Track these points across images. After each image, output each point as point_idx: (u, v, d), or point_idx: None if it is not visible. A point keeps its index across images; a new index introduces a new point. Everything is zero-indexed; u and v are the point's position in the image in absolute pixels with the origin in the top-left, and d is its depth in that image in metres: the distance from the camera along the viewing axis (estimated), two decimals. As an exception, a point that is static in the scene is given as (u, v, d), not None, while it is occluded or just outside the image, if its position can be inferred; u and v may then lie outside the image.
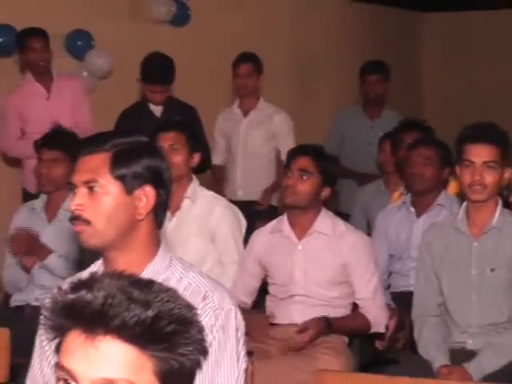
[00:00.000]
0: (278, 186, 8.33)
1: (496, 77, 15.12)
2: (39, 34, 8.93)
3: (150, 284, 2.24)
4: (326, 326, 5.77)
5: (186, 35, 11.63)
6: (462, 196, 5.84)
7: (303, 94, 12.41)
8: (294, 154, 6.08)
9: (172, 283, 3.21)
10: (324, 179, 5.96)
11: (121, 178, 3.39)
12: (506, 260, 5.45)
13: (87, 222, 3.36)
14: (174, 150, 5.75)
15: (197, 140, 6.65)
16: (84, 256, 4.34)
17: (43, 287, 6.08)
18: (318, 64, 13.00)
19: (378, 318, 5.97)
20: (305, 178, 5.91)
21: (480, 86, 14.65)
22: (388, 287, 6.64)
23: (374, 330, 5.99)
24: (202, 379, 2.48)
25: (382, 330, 6.02)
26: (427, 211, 6.75)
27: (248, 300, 6.15)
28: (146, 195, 3.44)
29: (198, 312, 2.30)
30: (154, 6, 11.42)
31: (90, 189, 3.38)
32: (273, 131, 8.99)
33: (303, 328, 5.75)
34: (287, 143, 8.09)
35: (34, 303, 6.01)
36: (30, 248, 6.41)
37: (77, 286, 2.16)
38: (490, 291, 5.45)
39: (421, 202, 6.81)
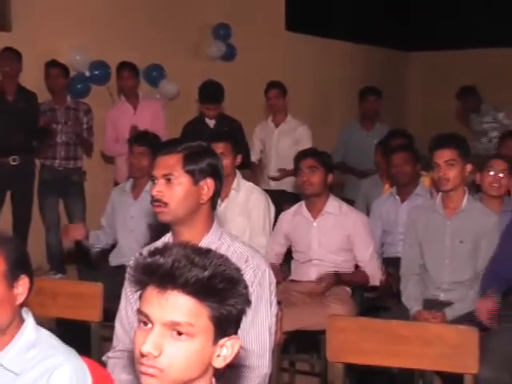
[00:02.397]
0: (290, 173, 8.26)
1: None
2: (130, 66, 9.01)
3: (207, 252, 2.27)
4: (336, 278, 5.82)
5: (233, 68, 11.65)
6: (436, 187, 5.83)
7: (319, 112, 12.34)
8: (301, 156, 6.10)
9: (222, 250, 3.19)
10: (326, 169, 5.99)
11: (190, 173, 3.49)
12: (471, 235, 5.46)
13: (165, 204, 3.48)
14: (223, 155, 5.70)
15: (239, 145, 6.69)
16: (159, 228, 4.31)
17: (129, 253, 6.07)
18: (331, 91, 12.96)
19: (374, 274, 6.01)
20: (313, 171, 5.93)
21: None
22: (381, 254, 6.59)
23: (371, 283, 6.03)
24: (245, 324, 2.46)
25: (377, 283, 6.06)
26: (408, 199, 6.75)
27: (277, 262, 6.15)
28: (208, 186, 3.54)
29: (243, 272, 2.30)
30: (209, 46, 11.56)
31: (168, 180, 3.49)
32: (297, 138, 9.00)
33: (319, 279, 5.79)
34: (307, 147, 8.06)
35: (122, 264, 5.99)
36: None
37: (153, 252, 2.23)
38: (458, 257, 5.46)
39: (403, 192, 6.80)
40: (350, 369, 4.00)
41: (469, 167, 5.52)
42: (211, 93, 8.68)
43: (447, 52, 16.04)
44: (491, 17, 18.74)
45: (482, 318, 4.88)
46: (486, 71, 15.51)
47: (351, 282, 5.96)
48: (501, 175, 6.03)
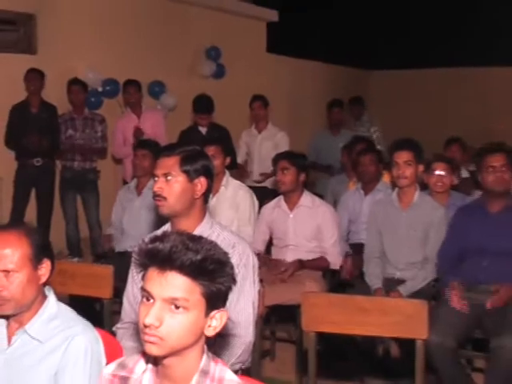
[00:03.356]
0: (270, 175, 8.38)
1: (425, 118, 15.03)
2: (135, 83, 9.01)
3: (199, 238, 2.29)
4: (300, 264, 5.80)
5: (222, 84, 11.71)
6: (393, 183, 5.84)
7: (295, 121, 12.36)
8: (276, 159, 6.08)
9: (213, 238, 3.15)
10: (298, 169, 5.94)
11: (186, 172, 3.51)
12: (422, 225, 5.50)
13: (164, 199, 3.50)
14: (214, 157, 5.71)
15: (228, 149, 6.70)
16: (159, 219, 4.33)
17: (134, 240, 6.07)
18: (304, 103, 12.98)
19: (335, 260, 5.98)
20: (285, 172, 5.91)
21: (412, 123, 14.52)
22: (347, 240, 6.59)
23: (331, 267, 6.00)
24: (232, 299, 2.47)
25: (337, 267, 6.03)
26: (371, 193, 6.73)
27: (261, 248, 6.14)
28: (201, 183, 3.55)
29: (230, 256, 2.31)
30: (202, 66, 11.68)
31: (167, 178, 3.51)
32: (276, 143, 8.99)
33: (286, 267, 5.76)
34: (285, 150, 8.07)
35: (129, 250, 5.98)
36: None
37: (154, 239, 2.25)
38: (411, 243, 5.49)
39: (367, 187, 6.79)
40: (321, 337, 3.99)
41: (421, 167, 5.60)
42: (203, 105, 8.75)
43: (402, 71, 16.09)
44: (445, 39, 18.78)
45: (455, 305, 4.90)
46: (438, 88, 15.57)
47: (313, 267, 5.90)
48: (443, 175, 6.09)
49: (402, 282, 5.38)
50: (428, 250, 5.45)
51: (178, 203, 3.51)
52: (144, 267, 2.24)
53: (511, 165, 5.09)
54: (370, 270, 5.62)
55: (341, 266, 6.09)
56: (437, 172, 6.10)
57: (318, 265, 5.93)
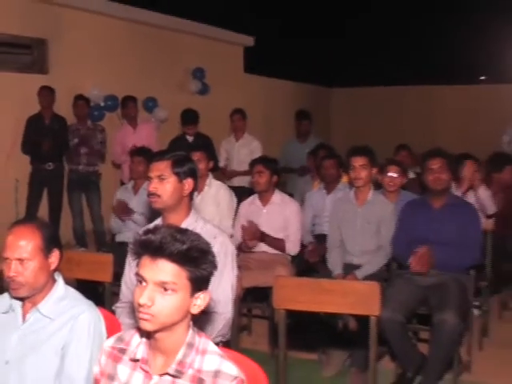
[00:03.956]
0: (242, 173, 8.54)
1: (379, 128, 15.05)
2: (131, 99, 9.02)
3: (185, 231, 2.29)
4: (261, 235, 5.82)
5: (207, 100, 11.68)
6: (351, 184, 5.84)
7: (268, 131, 12.36)
8: (253, 163, 6.04)
9: (197, 230, 3.17)
10: (272, 172, 5.94)
11: (176, 174, 3.54)
12: (375, 219, 5.52)
13: (159, 196, 3.52)
14: (199, 161, 5.70)
15: (211, 154, 6.73)
16: (152, 215, 4.32)
17: (131, 231, 6.04)
18: (276, 115, 12.98)
19: (294, 247, 5.96)
20: (262, 175, 5.90)
21: (367, 132, 14.53)
22: (312, 231, 6.59)
23: (287, 252, 5.94)
24: (214, 282, 2.48)
25: (293, 253, 5.99)
26: (332, 192, 6.70)
27: (241, 239, 6.04)
28: (188, 184, 3.58)
29: (211, 246, 2.32)
30: (190, 84, 11.65)
31: (160, 179, 3.53)
32: (252, 150, 8.98)
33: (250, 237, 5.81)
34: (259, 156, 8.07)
35: (127, 240, 5.95)
36: (123, 211, 6.45)
37: (146, 232, 2.26)
38: (366, 234, 5.51)
39: (329, 187, 6.77)
40: (291, 313, 3.99)
41: (374, 170, 5.62)
42: (190, 117, 8.80)
43: (360, 88, 16.12)
44: (398, 61, 18.85)
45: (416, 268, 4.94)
46: (391, 103, 15.62)
47: (271, 243, 5.88)
48: (395, 176, 6.11)
49: (358, 267, 5.40)
50: (381, 240, 5.47)
51: (170, 200, 3.53)
52: (138, 255, 2.25)
53: (448, 167, 5.14)
54: (331, 258, 5.63)
55: (302, 250, 6.09)
56: (389, 174, 6.13)
57: (276, 244, 5.89)
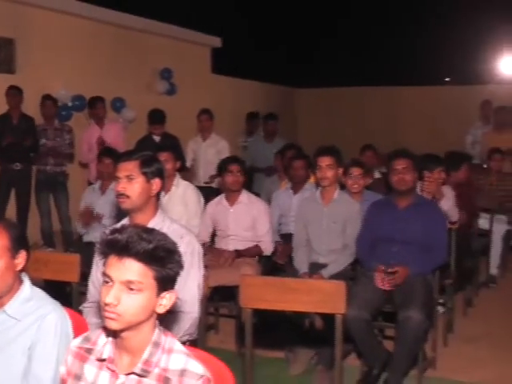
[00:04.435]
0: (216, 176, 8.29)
1: (344, 128, 15.09)
2: (99, 100, 9.03)
3: (151, 230, 2.29)
4: (236, 253, 5.79)
5: (174, 100, 11.67)
6: (317, 183, 5.85)
7: (235, 131, 12.35)
8: (227, 163, 6.00)
9: (164, 229, 3.20)
10: (244, 173, 5.95)
11: (145, 174, 3.54)
12: (341, 218, 5.52)
13: (127, 197, 3.52)
14: (166, 162, 5.69)
15: (178, 155, 6.70)
16: (119, 215, 4.31)
17: (98, 232, 6.02)
18: (243, 115, 12.99)
19: (268, 247, 5.96)
20: (237, 174, 5.87)
21: (333, 132, 14.57)
22: (279, 231, 6.60)
23: (264, 253, 5.97)
24: (180, 281, 2.48)
25: (269, 253, 6.01)
26: (299, 192, 6.70)
27: (207, 239, 6.07)
28: (156, 184, 3.58)
29: (178, 245, 2.32)
30: (157, 84, 11.63)
31: (129, 179, 3.52)
32: (219, 150, 9.01)
33: (226, 257, 5.75)
34: (226, 156, 8.05)
35: (94, 240, 5.93)
36: (89, 217, 6.46)
37: (113, 231, 2.26)
38: (332, 233, 5.51)
39: (296, 187, 6.77)
40: (257, 312, 4.00)
41: (340, 170, 5.63)
42: (157, 117, 8.81)
43: (324, 89, 16.18)
44: (361, 62, 18.92)
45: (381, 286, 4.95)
46: (355, 103, 15.69)
47: (248, 255, 5.87)
48: (358, 177, 6.14)
49: (324, 266, 5.41)
50: (346, 239, 5.48)
51: (138, 200, 3.53)
52: (105, 255, 2.24)
53: (413, 167, 5.18)
54: (298, 257, 5.62)
55: (274, 252, 6.09)
56: (353, 175, 6.15)
57: (253, 252, 5.90)
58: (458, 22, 18.88)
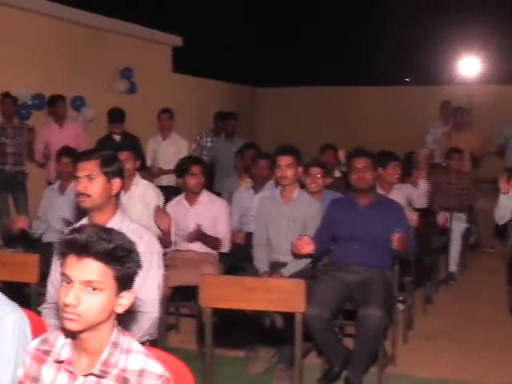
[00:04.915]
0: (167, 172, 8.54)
1: (305, 128, 15.12)
2: (60, 98, 8.97)
3: (110, 230, 2.30)
4: (201, 233, 5.77)
5: (135, 99, 11.57)
6: (277, 182, 5.87)
7: (197, 130, 12.30)
8: (188, 164, 5.97)
9: (124, 229, 3.22)
10: (205, 173, 5.96)
11: (105, 173, 3.54)
12: (301, 216, 5.54)
13: (88, 196, 3.51)
14: (126, 161, 5.67)
15: (138, 154, 6.65)
16: (78, 215, 4.29)
17: (57, 232, 5.98)
18: (205, 114, 12.95)
19: (226, 244, 5.95)
20: (199, 176, 5.87)
21: (293, 132, 14.59)
22: (240, 231, 6.59)
23: (221, 249, 5.96)
24: (140, 281, 2.48)
25: (225, 250, 5.99)
26: (260, 191, 6.70)
27: (173, 238, 6.00)
28: (116, 183, 3.58)
29: (136, 245, 2.32)
30: (117, 83, 11.50)
31: (90, 178, 3.52)
32: (179, 149, 9.01)
33: (191, 234, 5.78)
34: (185, 155, 8.04)
35: (53, 240, 5.88)
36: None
37: (72, 231, 2.26)
38: (292, 232, 5.47)
39: (257, 186, 6.78)
40: (218, 312, 4.01)
41: (300, 169, 5.64)
42: (117, 116, 8.82)
43: (288, 88, 16.21)
44: (326, 60, 18.97)
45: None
46: (316, 103, 15.73)
47: (208, 242, 5.86)
48: (317, 177, 6.17)
49: (284, 265, 5.43)
50: (306, 238, 5.50)
51: (99, 199, 3.52)
52: (64, 255, 2.24)
53: (372, 166, 5.22)
54: (257, 256, 5.63)
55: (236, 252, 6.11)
56: (312, 174, 6.17)
57: (213, 242, 5.88)
58: (418, 22, 19.02)
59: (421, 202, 7.18)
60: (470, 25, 17.44)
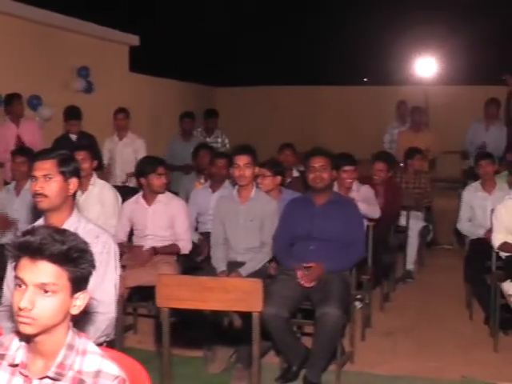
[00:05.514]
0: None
1: (263, 127, 15.13)
2: (16, 97, 8.85)
3: (64, 231, 2.27)
4: (154, 251, 5.75)
5: (91, 98, 11.47)
6: (234, 182, 5.86)
7: (153, 130, 12.28)
8: (153, 165, 5.90)
9: (80, 229, 3.24)
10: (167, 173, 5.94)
11: (62, 173, 3.50)
12: (258, 215, 5.54)
13: (45, 196, 3.47)
14: (83, 161, 5.65)
15: (95, 154, 6.60)
16: (34, 216, 4.24)
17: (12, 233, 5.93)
18: (162, 114, 12.92)
19: (185, 246, 5.94)
20: (165, 176, 5.87)
21: (252, 131, 14.59)
22: (197, 230, 6.58)
23: (182, 252, 5.94)
24: (97, 282, 2.45)
25: (186, 252, 5.98)
26: (218, 190, 6.73)
27: (125, 238, 6.01)
28: (73, 183, 3.55)
29: (92, 245, 2.32)
30: (74, 82, 11.37)
31: (47, 178, 3.47)
32: (135, 149, 8.97)
33: (143, 256, 5.75)
34: (143, 155, 8.00)
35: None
36: (3, 224, 6.30)
37: (25, 233, 2.23)
38: (249, 231, 5.52)
39: (215, 186, 6.79)
40: (176, 312, 4.00)
41: (257, 168, 5.65)
42: (73, 113, 8.74)
43: (247, 87, 16.22)
44: (286, 60, 19.01)
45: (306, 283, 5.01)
46: (275, 102, 15.77)
47: (166, 252, 5.84)
48: (266, 176, 6.14)
49: (242, 264, 5.43)
50: (264, 237, 5.52)
51: (57, 200, 3.49)
52: (17, 258, 2.21)
53: (330, 166, 5.25)
54: (215, 255, 5.62)
55: (193, 250, 6.10)
56: (260, 175, 6.13)
57: (170, 250, 5.87)
58: (375, 23, 19.17)
59: (373, 211, 6.73)
60: (427, 26, 17.63)
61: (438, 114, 13.01)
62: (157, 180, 5.85)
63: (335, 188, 6.66)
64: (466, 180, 9.68)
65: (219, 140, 9.77)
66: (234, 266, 5.44)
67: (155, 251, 5.78)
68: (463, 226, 7.19)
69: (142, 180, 5.95)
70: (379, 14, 19.34)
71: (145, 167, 5.95)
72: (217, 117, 10.26)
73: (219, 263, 5.55)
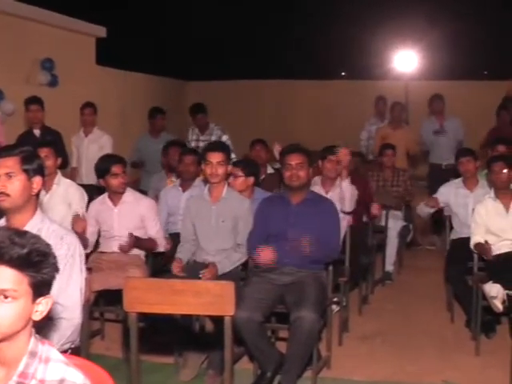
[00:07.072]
0: None
1: (236, 122, 15.12)
2: None
3: (24, 233, 2.22)
4: (136, 239, 5.71)
5: (56, 92, 11.45)
6: (206, 180, 5.85)
7: (121, 126, 12.25)
8: (110, 164, 5.85)
9: (44, 230, 3.22)
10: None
11: (26, 171, 3.46)
12: (230, 216, 5.50)
13: (6, 195, 3.43)
14: (47, 158, 5.60)
15: (60, 151, 6.48)
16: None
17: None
18: (130, 110, 12.89)
19: (160, 243, 5.95)
20: (122, 175, 5.84)
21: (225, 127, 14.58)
22: (167, 230, 6.56)
23: (158, 249, 5.96)
24: (61, 286, 2.42)
25: (162, 250, 6.00)
26: (188, 189, 6.72)
27: (91, 238, 5.97)
28: (37, 182, 3.51)
29: (56, 247, 2.33)
30: (38, 75, 11.36)
31: (9, 176, 3.44)
32: (101, 145, 8.90)
33: (126, 246, 5.73)
34: (109, 152, 7.97)
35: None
36: None
37: (-18, 236, 2.16)
38: (221, 232, 5.49)
39: (185, 184, 6.77)
40: (145, 316, 3.99)
41: (230, 167, 5.62)
42: (34, 98, 8.59)
43: (219, 81, 16.23)
44: (260, 53, 19.00)
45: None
46: (248, 96, 15.78)
47: (145, 246, 5.86)
48: (238, 175, 6.13)
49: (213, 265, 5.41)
50: (239, 238, 5.49)
51: (20, 199, 3.44)
52: None
53: (307, 163, 5.26)
54: (181, 249, 5.63)
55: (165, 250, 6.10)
56: (235, 174, 6.14)
57: (149, 244, 5.88)
58: (352, 14, 19.24)
59: (348, 206, 6.73)
60: (407, 19, 17.71)
61: (418, 109, 13.07)
62: (113, 180, 5.82)
63: (319, 182, 6.71)
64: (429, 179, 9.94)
65: (213, 138, 9.56)
66: (204, 268, 5.41)
67: (137, 240, 5.75)
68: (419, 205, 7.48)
69: (101, 181, 5.94)
70: (357, 4, 19.41)
71: (100, 168, 5.94)
72: (204, 111, 10.01)
73: (182, 253, 5.56)
